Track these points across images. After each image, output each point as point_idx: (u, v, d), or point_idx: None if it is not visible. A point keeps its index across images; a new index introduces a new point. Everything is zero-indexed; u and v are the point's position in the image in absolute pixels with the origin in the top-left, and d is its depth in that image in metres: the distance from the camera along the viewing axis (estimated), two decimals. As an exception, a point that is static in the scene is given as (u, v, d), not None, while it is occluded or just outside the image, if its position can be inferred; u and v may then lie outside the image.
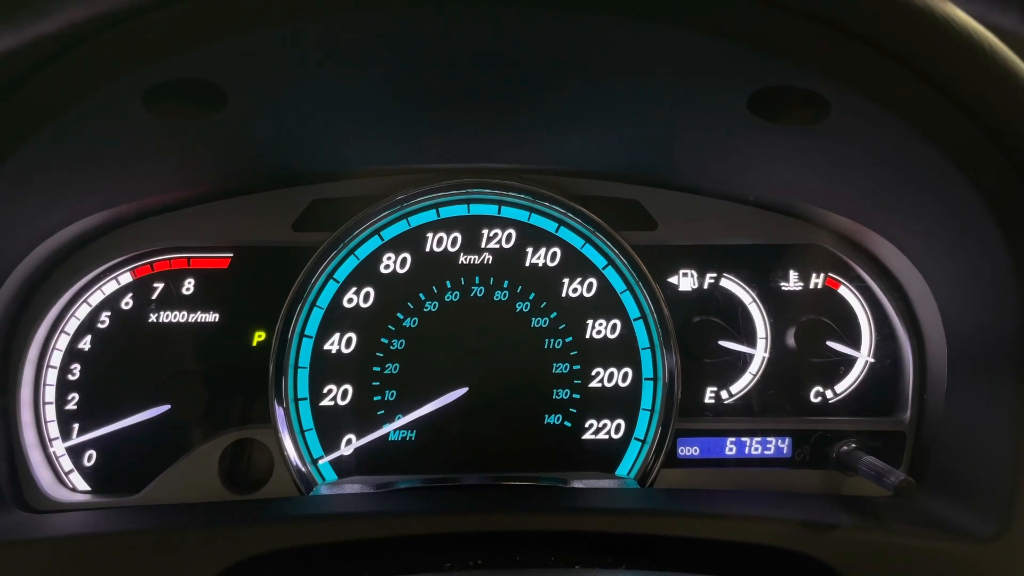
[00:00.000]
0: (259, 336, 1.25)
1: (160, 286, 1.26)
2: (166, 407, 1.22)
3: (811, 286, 1.27)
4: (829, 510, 1.12)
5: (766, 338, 1.27)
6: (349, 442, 1.25)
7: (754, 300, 1.27)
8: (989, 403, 1.06)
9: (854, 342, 1.27)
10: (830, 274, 1.27)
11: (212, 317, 1.26)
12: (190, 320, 1.25)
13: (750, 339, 1.27)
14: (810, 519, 1.07)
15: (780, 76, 0.82)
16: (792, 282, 1.27)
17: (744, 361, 1.27)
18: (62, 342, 1.23)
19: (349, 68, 0.95)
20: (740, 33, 0.70)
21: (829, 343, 1.26)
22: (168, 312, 1.25)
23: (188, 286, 1.26)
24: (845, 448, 1.22)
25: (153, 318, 1.25)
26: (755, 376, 1.27)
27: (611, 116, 1.06)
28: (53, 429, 1.23)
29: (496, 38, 0.84)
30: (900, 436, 1.24)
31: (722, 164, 1.17)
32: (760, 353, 1.27)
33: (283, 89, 0.97)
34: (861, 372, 1.27)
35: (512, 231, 1.27)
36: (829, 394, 1.27)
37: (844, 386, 1.27)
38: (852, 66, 0.74)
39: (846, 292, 1.27)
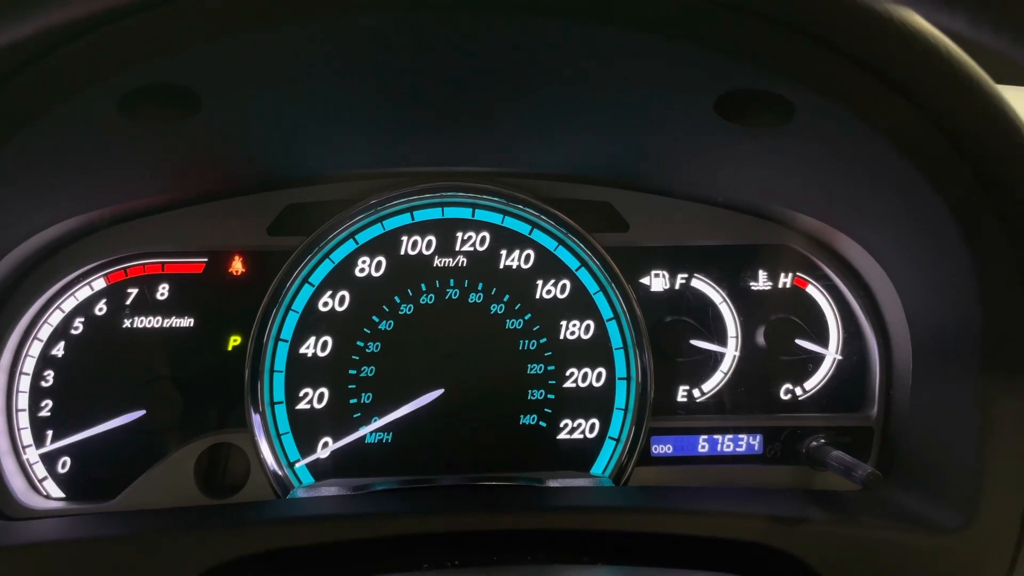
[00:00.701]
0: (234, 340, 1.25)
1: (134, 291, 1.26)
2: (141, 412, 1.21)
3: (780, 286, 1.30)
4: (800, 505, 1.15)
5: (736, 337, 1.29)
6: (326, 445, 1.25)
7: (724, 300, 1.29)
8: (952, 398, 1.09)
9: (822, 340, 1.29)
10: (798, 274, 1.30)
11: (187, 322, 1.26)
12: (165, 325, 1.25)
13: (721, 338, 1.29)
14: (781, 514, 1.10)
15: (745, 79, 0.85)
16: (761, 282, 1.30)
17: (715, 360, 1.29)
18: (35, 348, 1.23)
19: (323, 75, 0.96)
20: (701, 37, 0.72)
21: (798, 341, 1.28)
22: (142, 318, 1.25)
23: (163, 291, 1.26)
24: (814, 443, 1.24)
25: (127, 324, 1.25)
26: (726, 374, 1.29)
27: (582, 120, 1.07)
28: (26, 436, 1.22)
29: (466, 45, 0.86)
30: (868, 431, 1.26)
31: (692, 166, 1.19)
32: (731, 352, 1.29)
33: (257, 95, 0.98)
34: (829, 369, 1.29)
35: (486, 234, 1.29)
36: (799, 391, 1.29)
37: (813, 383, 1.30)
38: (812, 69, 0.76)
39: (814, 291, 1.30)
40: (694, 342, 1.28)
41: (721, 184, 1.23)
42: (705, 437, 1.29)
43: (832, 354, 1.29)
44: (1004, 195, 0.91)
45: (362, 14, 0.76)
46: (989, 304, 1.00)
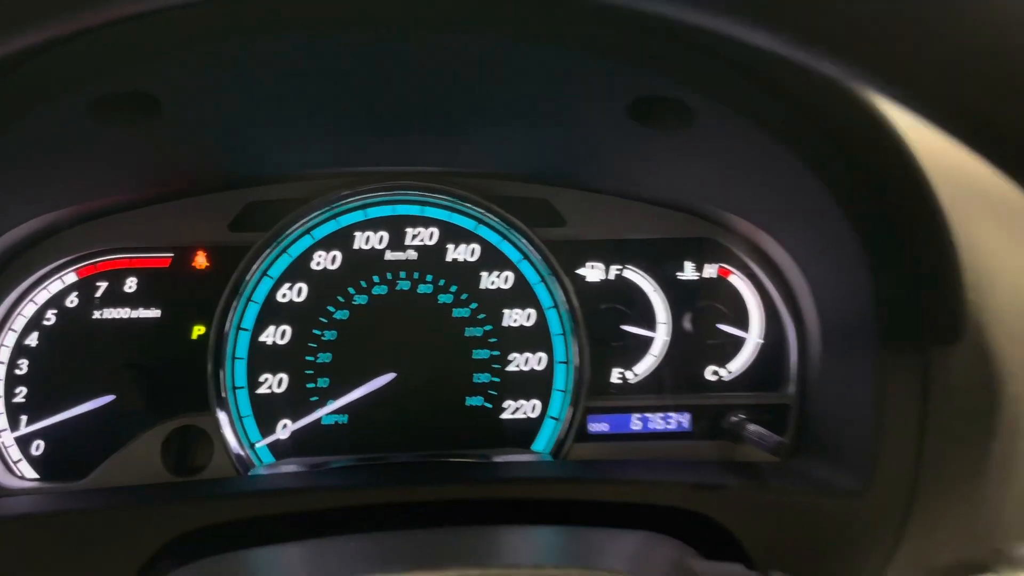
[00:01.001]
0: (199, 330, 1.34)
1: (104, 284, 1.34)
2: (111, 398, 1.30)
3: (705, 276, 1.41)
4: (719, 474, 1.26)
5: (666, 323, 1.40)
6: (285, 427, 1.34)
7: (655, 289, 1.40)
8: (854, 377, 1.21)
9: (744, 325, 1.41)
10: (722, 264, 1.41)
11: (154, 313, 1.34)
12: (133, 316, 1.34)
13: (652, 324, 1.40)
14: (702, 482, 1.21)
15: (647, 86, 0.95)
16: (689, 272, 1.41)
17: (647, 344, 1.40)
18: (9, 339, 1.31)
19: (277, 81, 1.06)
20: (591, 45, 0.82)
21: (722, 327, 1.40)
22: (112, 309, 1.33)
23: (131, 284, 1.34)
24: (735, 419, 1.35)
25: (97, 315, 1.33)
26: (657, 358, 1.40)
27: (514, 124, 1.18)
28: (1, 421, 1.30)
29: (399, 54, 0.95)
30: (786, 408, 1.38)
31: (618, 166, 1.29)
32: (661, 337, 1.40)
33: (214, 100, 1.07)
34: (751, 352, 1.41)
35: (435, 229, 1.38)
36: (724, 372, 1.41)
37: (736, 365, 1.41)
38: (702, 77, 0.87)
39: (736, 280, 1.41)
40: (627, 328, 1.39)
41: (646, 182, 1.34)
42: (638, 416, 1.40)
43: (754, 338, 1.41)
44: (887, 195, 1.03)
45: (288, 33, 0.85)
46: (881, 294, 1.12)
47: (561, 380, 1.39)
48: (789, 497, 1.19)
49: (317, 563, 0.92)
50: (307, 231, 1.36)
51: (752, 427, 1.29)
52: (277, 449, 1.35)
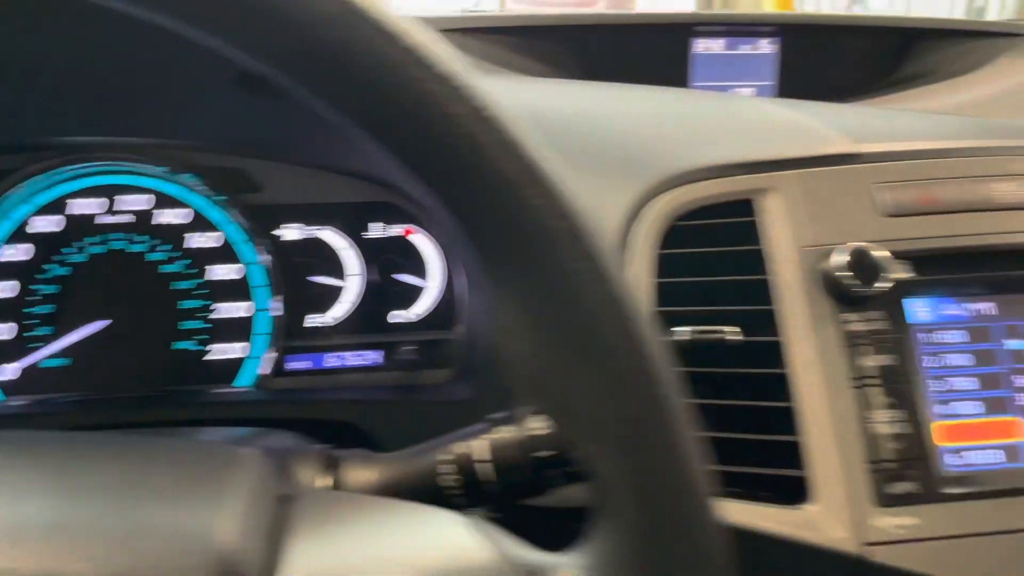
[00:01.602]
0: (-70, 287, 1.51)
1: None
2: None
3: (391, 234, 1.65)
4: (381, 394, 1.52)
5: (357, 275, 1.64)
6: (11, 368, 1.53)
7: (349, 245, 1.64)
8: (485, 316, 1.48)
9: (425, 276, 1.66)
10: (407, 225, 1.66)
11: None
12: None
13: (345, 276, 1.64)
14: (366, 399, 1.47)
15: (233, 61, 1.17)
16: (377, 232, 1.65)
17: (341, 293, 1.64)
18: None
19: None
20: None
21: (407, 277, 1.65)
22: None
23: None
24: (405, 350, 1.61)
25: None
26: (348, 304, 1.64)
27: (187, 99, 1.39)
28: None
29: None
30: (455, 344, 1.64)
31: (288, 137, 1.52)
32: (353, 287, 1.64)
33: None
34: (432, 299, 1.66)
35: (146, 195, 1.58)
36: (410, 316, 1.66)
37: (420, 309, 1.66)
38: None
39: (416, 238, 1.66)
40: (323, 280, 1.63)
41: (323, 154, 1.57)
42: (335, 354, 1.64)
43: (433, 287, 1.66)
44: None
45: None
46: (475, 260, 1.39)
47: (261, 325, 1.61)
48: (424, 408, 1.46)
49: None
50: (25, 199, 1.54)
51: (409, 356, 1.56)
52: (8, 389, 1.54)
